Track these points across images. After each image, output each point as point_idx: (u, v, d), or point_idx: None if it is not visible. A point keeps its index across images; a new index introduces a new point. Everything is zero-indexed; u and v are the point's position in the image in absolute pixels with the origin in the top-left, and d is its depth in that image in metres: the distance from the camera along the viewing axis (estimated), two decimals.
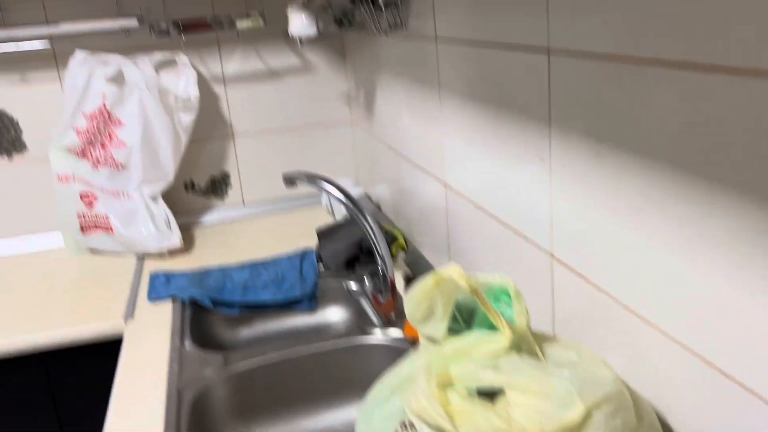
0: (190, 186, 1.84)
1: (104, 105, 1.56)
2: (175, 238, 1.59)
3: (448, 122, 1.14)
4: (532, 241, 0.88)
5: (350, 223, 1.51)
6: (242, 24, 1.68)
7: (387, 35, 1.32)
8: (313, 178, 1.25)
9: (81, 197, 1.60)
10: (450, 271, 0.65)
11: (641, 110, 0.62)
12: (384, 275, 1.19)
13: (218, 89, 1.78)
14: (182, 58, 1.68)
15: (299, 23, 1.36)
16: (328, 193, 1.22)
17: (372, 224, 1.21)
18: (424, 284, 0.67)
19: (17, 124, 1.68)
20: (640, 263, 0.66)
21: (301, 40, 1.38)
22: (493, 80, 0.93)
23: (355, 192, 1.72)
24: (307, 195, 1.88)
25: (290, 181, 1.25)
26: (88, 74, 1.56)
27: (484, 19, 0.93)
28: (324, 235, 1.51)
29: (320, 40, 1.39)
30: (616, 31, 0.63)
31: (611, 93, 0.66)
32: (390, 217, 1.64)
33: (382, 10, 1.24)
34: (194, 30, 1.65)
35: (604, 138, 0.68)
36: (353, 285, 1.38)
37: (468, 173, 1.08)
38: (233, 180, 1.87)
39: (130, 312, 1.33)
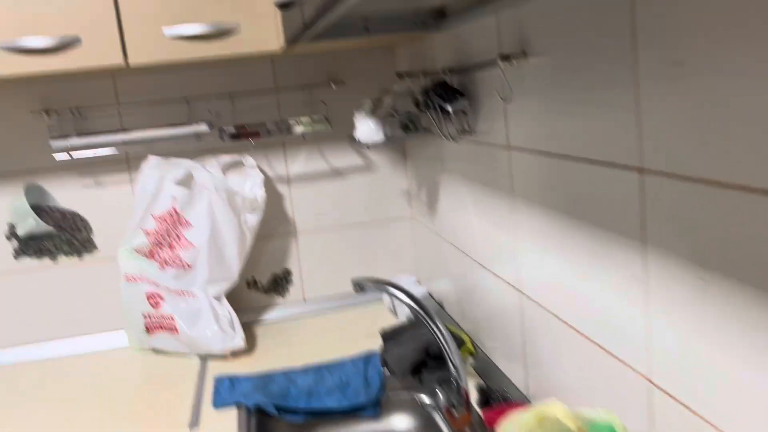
0: (252, 283, 1.84)
1: (174, 207, 1.60)
2: (239, 340, 1.58)
3: (522, 228, 1.12)
4: (625, 363, 0.83)
5: (416, 325, 1.48)
6: (307, 128, 1.72)
7: (455, 141, 1.33)
8: (380, 284, 1.24)
9: (147, 297, 1.61)
10: (553, 409, 0.61)
11: (751, 239, 0.59)
12: (458, 386, 1.15)
13: (282, 188, 1.82)
14: (249, 160, 1.73)
15: (366, 130, 1.39)
16: (397, 298, 1.21)
17: (443, 331, 1.18)
18: (525, 421, 0.63)
19: (89, 224, 1.73)
20: (754, 398, 0.61)
21: (368, 145, 1.40)
22: (575, 192, 0.91)
23: (418, 291, 1.70)
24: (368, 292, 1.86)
25: (359, 287, 1.23)
26: (159, 177, 1.61)
27: (564, 133, 0.92)
28: (389, 338, 1.47)
29: (385, 143, 1.41)
30: (721, 159, 0.61)
31: (717, 219, 0.63)
32: (454, 316, 1.60)
33: (450, 117, 1.25)
34: (262, 134, 1.70)
35: (710, 264, 0.65)
36: (423, 396, 1.33)
37: (547, 283, 1.05)
38: (294, 277, 1.87)
39: (195, 420, 1.31)
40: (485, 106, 1.20)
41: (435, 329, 1.18)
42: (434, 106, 1.28)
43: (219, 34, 1.38)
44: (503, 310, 1.26)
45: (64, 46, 1.34)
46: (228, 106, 1.74)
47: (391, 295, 1.20)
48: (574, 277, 0.95)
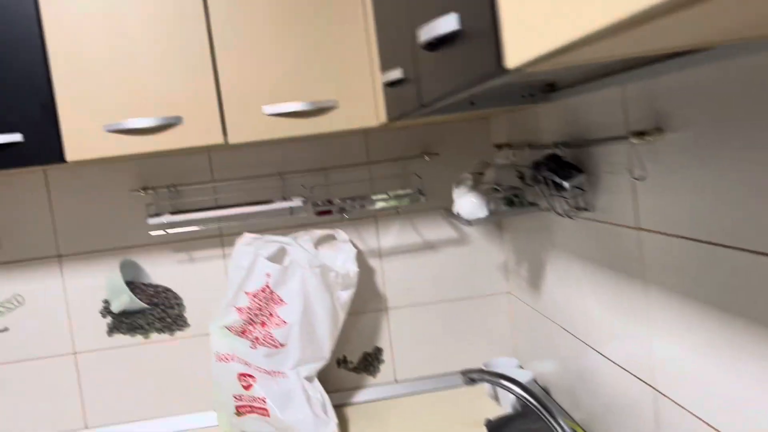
0: (342, 361, 1.77)
1: (268, 285, 1.56)
2: (332, 425, 1.50)
3: (656, 317, 1.00)
4: None
5: (525, 416, 1.36)
6: (391, 202, 1.67)
7: (570, 218, 1.24)
8: (494, 377, 1.14)
9: (239, 378, 1.56)
10: None
11: None
12: None
13: (374, 262, 1.76)
14: (341, 234, 1.68)
15: (468, 205, 1.32)
16: (512, 392, 1.10)
17: (565, 429, 1.06)
18: None
19: (181, 301, 1.71)
20: None
21: (470, 221, 1.33)
22: (730, 284, 0.80)
23: (523, 376, 1.58)
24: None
25: (470, 380, 1.14)
26: (253, 255, 1.58)
27: (713, 217, 0.82)
28: (495, 430, 1.36)
29: (487, 219, 1.33)
30: None
31: None
32: (563, 404, 1.47)
33: (565, 192, 1.17)
34: (356, 209, 1.66)
35: None
36: None
37: (695, 387, 0.92)
38: (386, 355, 1.78)
39: None
40: (605, 182, 1.11)
41: (555, 426, 1.06)
42: (545, 181, 1.20)
43: (317, 111, 1.36)
44: (632, 410, 1.13)
45: (166, 126, 1.34)
46: (321, 180, 1.71)
47: (506, 388, 1.10)
48: (731, 381, 0.83)
